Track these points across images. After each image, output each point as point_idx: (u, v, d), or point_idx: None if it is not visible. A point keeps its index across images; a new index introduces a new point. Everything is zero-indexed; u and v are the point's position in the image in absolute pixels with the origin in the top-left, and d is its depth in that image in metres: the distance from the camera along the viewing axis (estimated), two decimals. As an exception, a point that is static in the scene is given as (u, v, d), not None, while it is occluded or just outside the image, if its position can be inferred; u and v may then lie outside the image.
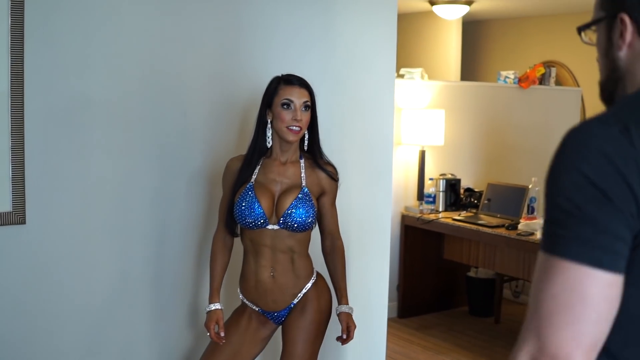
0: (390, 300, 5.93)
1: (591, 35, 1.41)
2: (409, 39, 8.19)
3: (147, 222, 3.18)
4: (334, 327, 3.10)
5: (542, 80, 6.74)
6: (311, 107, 2.83)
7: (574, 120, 6.43)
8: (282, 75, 2.86)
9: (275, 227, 2.80)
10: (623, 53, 1.31)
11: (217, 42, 3.27)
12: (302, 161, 2.90)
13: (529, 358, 1.16)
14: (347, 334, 2.96)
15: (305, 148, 2.90)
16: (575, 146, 1.16)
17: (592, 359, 1.15)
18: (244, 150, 2.96)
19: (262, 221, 2.78)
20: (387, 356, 5.00)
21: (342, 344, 3.01)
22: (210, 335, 2.85)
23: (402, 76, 6.01)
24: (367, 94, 3.78)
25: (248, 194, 2.79)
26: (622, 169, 1.12)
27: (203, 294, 3.26)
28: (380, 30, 3.81)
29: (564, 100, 6.80)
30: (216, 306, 2.88)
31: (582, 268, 1.12)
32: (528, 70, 6.58)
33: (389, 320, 5.87)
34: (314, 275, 2.97)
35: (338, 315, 2.97)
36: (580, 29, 1.41)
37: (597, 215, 1.12)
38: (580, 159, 1.14)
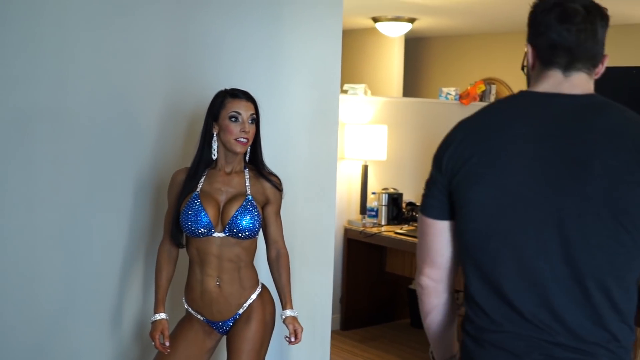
0: (333, 312, 5.99)
1: None
2: (353, 55, 8.30)
3: (93, 233, 3.19)
4: (277, 337, 3.15)
5: (483, 97, 6.91)
6: (256, 120, 2.90)
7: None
8: (228, 89, 2.92)
9: (222, 234, 2.85)
10: (531, 73, 1.84)
11: (164, 56, 3.31)
12: (246, 171, 2.96)
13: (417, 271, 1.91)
14: (295, 335, 3.02)
15: (247, 159, 2.97)
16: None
17: (436, 270, 1.86)
18: (189, 162, 3.00)
19: (208, 229, 2.82)
20: (331, 368, 5.07)
21: (290, 345, 3.07)
22: (155, 345, 2.87)
23: (345, 92, 6.11)
24: (312, 109, 3.85)
25: (194, 202, 2.83)
26: (443, 150, 1.81)
27: (149, 304, 3.28)
28: (325, 47, 3.89)
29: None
30: (161, 316, 2.91)
31: (419, 214, 1.88)
32: (469, 87, 6.74)
33: (332, 332, 5.94)
34: (259, 286, 3.02)
35: (284, 320, 3.03)
36: (523, 67, 1.90)
37: (428, 181, 1.86)
38: (436, 150, 1.85)
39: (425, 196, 1.85)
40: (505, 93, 8.31)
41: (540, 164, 1.67)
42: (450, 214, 1.80)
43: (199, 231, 2.82)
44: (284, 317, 3.04)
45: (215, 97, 2.91)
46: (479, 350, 1.78)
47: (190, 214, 2.81)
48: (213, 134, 2.88)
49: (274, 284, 3.09)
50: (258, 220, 2.89)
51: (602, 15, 1.75)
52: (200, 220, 2.81)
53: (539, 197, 1.66)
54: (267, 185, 2.97)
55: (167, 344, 2.87)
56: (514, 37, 8.18)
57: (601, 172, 1.63)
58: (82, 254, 3.16)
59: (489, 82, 7.32)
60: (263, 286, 3.05)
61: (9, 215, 2.95)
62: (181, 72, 3.37)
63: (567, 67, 1.74)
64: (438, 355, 2.01)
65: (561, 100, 1.73)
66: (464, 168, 1.73)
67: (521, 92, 1.81)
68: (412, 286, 6.18)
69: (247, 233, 2.87)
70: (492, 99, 6.98)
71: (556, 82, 1.75)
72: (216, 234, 2.85)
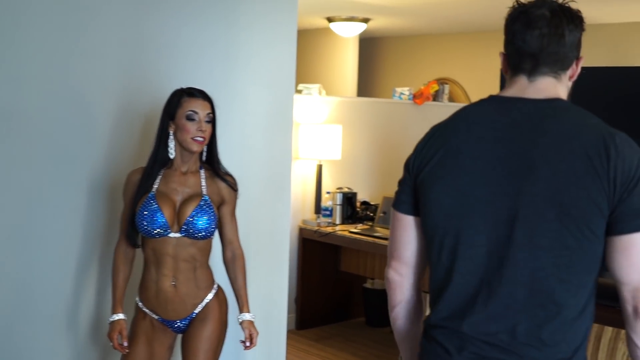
0: (288, 312, 6.01)
1: None
2: (307, 55, 8.32)
3: (48, 234, 3.16)
4: (233, 338, 3.16)
5: (436, 96, 6.98)
6: (213, 119, 2.91)
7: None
8: (184, 88, 2.92)
9: (178, 235, 2.85)
10: (506, 77, 1.87)
11: (119, 56, 3.30)
12: (202, 171, 2.96)
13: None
14: (250, 340, 3.04)
15: (204, 159, 2.98)
16: None
17: (402, 265, 1.92)
18: (144, 162, 2.99)
19: (164, 229, 2.83)
20: (286, 367, 5.09)
21: (245, 349, 3.09)
22: (113, 345, 2.87)
23: (300, 92, 6.12)
24: (267, 110, 3.86)
25: (150, 203, 2.83)
26: (415, 150, 1.89)
27: (105, 305, 3.27)
28: (280, 48, 3.91)
29: (456, 116, 7.04)
30: (119, 316, 2.91)
31: (392, 207, 1.93)
32: (422, 87, 6.80)
33: (288, 332, 5.95)
34: (215, 286, 3.03)
35: (241, 323, 3.04)
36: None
37: (401, 179, 1.92)
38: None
39: (398, 193, 1.93)
40: (459, 93, 8.41)
41: (494, 166, 1.73)
42: (417, 210, 1.88)
43: (155, 232, 2.82)
44: (241, 320, 3.06)
45: (171, 96, 2.91)
46: (426, 345, 1.87)
47: (146, 215, 2.81)
48: (169, 133, 2.88)
49: (231, 285, 3.10)
50: (214, 221, 2.90)
51: (571, 18, 1.77)
52: (156, 220, 2.81)
53: (491, 198, 1.72)
54: (223, 185, 2.98)
55: (126, 344, 2.87)
56: (467, 38, 8.28)
57: (550, 175, 1.67)
58: (37, 256, 3.14)
59: (442, 82, 7.39)
60: (218, 286, 3.06)
61: None
62: (136, 72, 3.36)
63: (532, 73, 1.79)
64: (405, 356, 2.03)
65: (522, 104, 1.77)
66: (426, 168, 1.82)
67: (490, 97, 1.86)
68: (367, 285, 6.23)
69: (203, 233, 2.88)
70: (445, 98, 7.05)
71: (522, 87, 1.80)
72: (172, 235, 2.85)
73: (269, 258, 3.97)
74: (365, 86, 9.12)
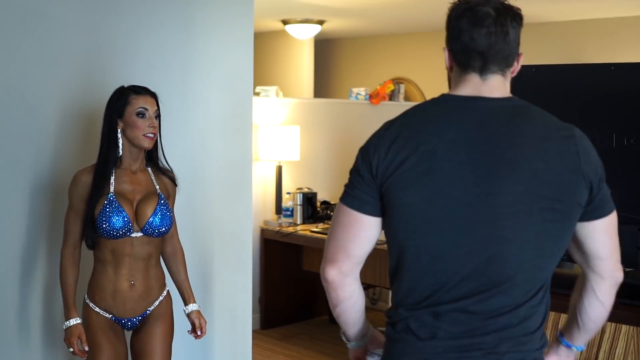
0: (253, 312, 6.06)
1: None
2: (264, 58, 8.38)
3: None
4: (202, 339, 3.20)
5: (392, 96, 7.08)
6: (159, 115, 2.95)
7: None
8: (128, 86, 2.94)
9: (139, 234, 2.89)
10: (449, 75, 1.91)
11: (76, 63, 3.31)
12: (149, 169, 3.01)
13: (322, 264, 1.95)
14: (201, 329, 3.12)
15: (147, 156, 3.01)
16: (364, 143, 1.89)
17: (349, 263, 1.90)
18: (87, 163, 2.99)
19: (127, 230, 2.86)
20: (252, 366, 5.14)
21: (197, 339, 3.16)
22: (74, 351, 2.86)
23: (258, 94, 6.18)
24: (225, 112, 3.90)
25: (112, 204, 2.84)
26: (370, 152, 1.84)
27: (56, 310, 3.26)
28: (237, 51, 3.96)
29: (412, 114, 7.14)
30: (76, 321, 2.89)
31: (343, 206, 1.89)
32: (378, 87, 6.90)
33: (253, 332, 6.00)
34: (166, 285, 3.09)
35: (189, 314, 3.12)
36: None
37: (354, 179, 1.88)
38: (361, 148, 1.89)
39: (352, 190, 1.88)
40: (414, 92, 8.52)
41: (473, 167, 1.75)
42: (381, 212, 1.85)
43: (120, 232, 2.85)
44: (188, 311, 3.13)
45: (117, 94, 2.92)
46: (401, 336, 1.89)
47: (111, 216, 2.82)
48: (117, 131, 2.90)
49: (172, 279, 3.15)
50: (171, 217, 2.97)
51: (513, 16, 1.82)
52: (120, 221, 2.83)
53: (472, 199, 1.75)
54: (167, 180, 3.05)
55: (87, 348, 2.87)
56: (421, 37, 8.40)
57: (529, 173, 1.75)
58: None
59: (397, 81, 7.49)
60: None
61: None
62: (93, 78, 3.36)
63: (483, 70, 1.82)
64: (351, 334, 2.06)
65: (483, 103, 1.81)
66: (397, 172, 1.78)
67: (443, 96, 1.87)
68: (329, 283, 6.29)
69: (163, 230, 2.93)
70: (401, 98, 7.15)
71: (475, 86, 1.82)
72: (133, 234, 2.89)
73: (232, 258, 4.02)
74: (322, 87, 9.20)
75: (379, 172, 1.81)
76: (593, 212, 1.84)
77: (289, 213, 6.08)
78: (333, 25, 7.97)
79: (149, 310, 3.01)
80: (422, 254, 1.81)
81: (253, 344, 5.63)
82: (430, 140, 1.77)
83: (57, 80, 3.25)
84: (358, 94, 6.83)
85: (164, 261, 3.13)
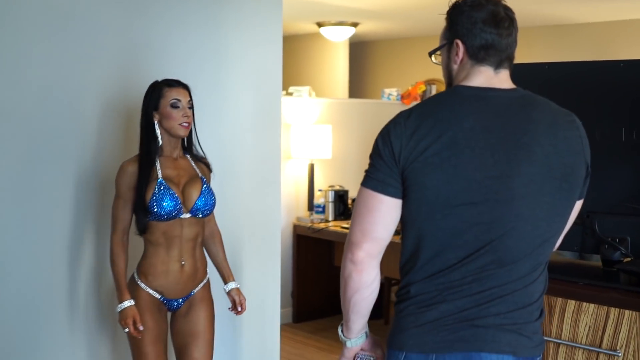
0: (285, 306, 6.23)
1: (437, 58, 2.17)
2: (299, 60, 8.54)
3: (40, 226, 3.30)
4: (229, 330, 3.36)
5: (423, 96, 7.19)
6: (192, 105, 3.14)
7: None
8: (161, 80, 3.13)
9: (187, 215, 3.08)
10: (456, 66, 2.05)
11: (113, 62, 3.47)
12: (187, 155, 3.20)
13: (346, 245, 2.01)
14: (241, 305, 3.31)
15: (183, 144, 3.20)
16: (384, 126, 2.00)
17: (376, 246, 1.97)
18: (126, 156, 3.18)
19: (178, 212, 3.04)
20: (284, 357, 5.28)
21: (237, 315, 3.36)
22: (129, 331, 3.00)
23: (291, 94, 6.34)
24: (256, 110, 4.06)
25: (163, 188, 3.02)
26: (392, 139, 1.94)
27: (105, 294, 3.46)
28: (267, 51, 4.10)
29: (443, 115, 7.25)
30: (130, 303, 3.04)
31: (366, 190, 1.97)
32: (410, 88, 7.03)
33: (285, 325, 6.18)
34: (207, 270, 3.27)
35: (229, 292, 3.30)
36: (430, 53, 2.17)
37: (376, 163, 1.96)
38: (379, 134, 1.99)
39: (376, 173, 1.96)
40: (447, 93, 8.61)
41: (492, 152, 1.89)
42: (402, 194, 1.95)
43: (172, 214, 3.03)
44: (228, 289, 3.31)
45: (152, 89, 3.10)
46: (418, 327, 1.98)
47: (163, 199, 3.01)
48: (154, 123, 3.08)
49: (212, 260, 3.34)
50: (214, 198, 3.17)
51: (515, 21, 2.03)
52: (171, 203, 3.02)
53: (491, 181, 1.89)
54: (204, 166, 3.24)
55: (141, 328, 3.02)
56: (453, 39, 8.47)
57: (542, 156, 1.92)
58: (30, 250, 3.28)
59: (429, 82, 7.60)
60: None
61: None
62: (129, 76, 3.53)
63: (498, 66, 1.99)
64: (355, 328, 2.13)
65: (496, 94, 1.97)
66: (420, 158, 1.89)
67: (457, 87, 2.00)
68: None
69: (208, 210, 3.14)
70: (433, 98, 7.26)
71: (488, 78, 1.99)
72: (182, 216, 3.08)
73: (262, 250, 4.16)
74: (357, 88, 9.32)
75: (402, 157, 1.91)
76: (580, 193, 2.06)
77: (320, 210, 6.23)
78: (367, 27, 8.08)
79: (193, 292, 3.18)
80: (442, 234, 1.92)
81: (284, 337, 5.82)
82: (452, 129, 1.89)
83: (94, 78, 3.41)
84: (390, 94, 6.97)
85: (204, 244, 3.31)
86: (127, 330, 3.02)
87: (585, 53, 7.12)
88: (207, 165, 3.27)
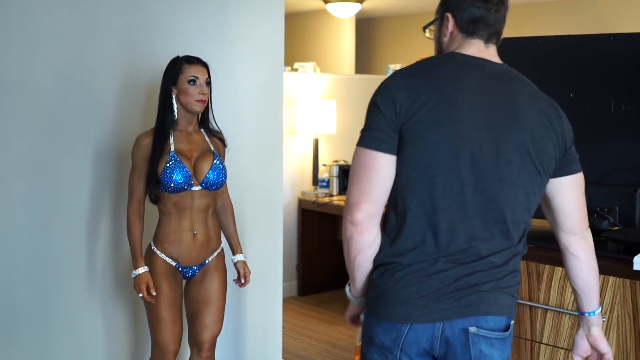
0: (290, 279, 6.34)
1: (431, 33, 2.23)
2: (305, 36, 8.59)
3: (61, 201, 3.42)
4: (233, 303, 3.46)
5: (428, 72, 7.23)
6: (209, 82, 3.24)
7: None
8: (182, 56, 3.23)
9: (198, 188, 3.19)
10: (446, 38, 2.11)
11: (119, 39, 3.56)
12: (202, 130, 3.30)
13: (345, 207, 2.02)
14: (245, 278, 3.42)
15: (199, 119, 3.30)
16: (378, 87, 2.02)
17: (374, 205, 1.97)
18: (143, 129, 3.29)
19: (188, 184, 3.15)
20: (288, 329, 5.40)
21: (241, 287, 3.48)
22: (143, 296, 3.14)
23: (296, 70, 6.41)
24: (258, 85, 4.13)
25: (174, 160, 3.13)
26: (392, 93, 1.96)
27: (123, 261, 3.59)
28: (269, 27, 4.16)
29: (448, 90, 7.30)
30: (144, 269, 3.18)
31: (361, 149, 2.00)
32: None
33: (290, 298, 6.29)
34: (221, 239, 3.38)
35: (235, 263, 3.42)
36: (424, 27, 2.23)
37: (372, 120, 1.98)
38: (376, 92, 2.01)
39: (371, 131, 1.97)
40: (453, 69, 8.65)
41: (485, 115, 1.96)
42: (396, 151, 1.96)
43: (181, 186, 3.14)
44: (235, 260, 3.43)
45: (172, 64, 3.22)
46: (403, 275, 2.01)
47: (174, 172, 3.12)
48: (172, 97, 3.19)
49: (223, 231, 3.44)
50: (225, 172, 3.27)
51: (506, 1, 2.10)
52: (181, 176, 3.13)
53: (482, 142, 1.95)
54: (218, 141, 3.35)
55: (154, 293, 3.16)
56: (459, 15, 8.50)
57: (530, 127, 1.99)
58: (52, 223, 3.40)
59: (434, 58, 7.63)
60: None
61: None
62: (136, 53, 3.62)
63: (487, 40, 2.07)
64: (362, 287, 2.12)
65: (489, 64, 2.05)
66: (421, 111, 1.92)
67: (452, 53, 2.06)
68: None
69: (219, 184, 3.24)
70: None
71: (479, 50, 2.06)
72: (193, 188, 3.18)
73: (264, 223, 4.25)
74: (363, 65, 9.37)
75: (403, 109, 1.93)
76: (562, 169, 2.10)
77: (325, 184, 6.31)
78: (373, 3, 8.12)
79: (207, 261, 3.30)
80: (434, 192, 1.95)
81: (289, 309, 5.93)
82: (451, 85, 1.96)
83: (103, 55, 3.50)
84: (395, 70, 7.00)
85: (216, 215, 3.41)
86: (140, 295, 3.15)
87: (591, 28, 7.14)
88: (222, 140, 3.37)
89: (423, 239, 1.98)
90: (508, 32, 2.21)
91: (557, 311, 2.80)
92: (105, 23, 3.51)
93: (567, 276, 2.26)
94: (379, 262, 2.05)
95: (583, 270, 2.20)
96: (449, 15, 2.09)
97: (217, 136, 3.36)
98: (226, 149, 3.39)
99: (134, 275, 3.19)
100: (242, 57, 4.05)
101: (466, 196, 1.96)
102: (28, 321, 3.37)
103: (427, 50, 8.75)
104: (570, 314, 2.76)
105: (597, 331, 2.24)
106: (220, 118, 3.45)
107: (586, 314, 2.23)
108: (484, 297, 1.99)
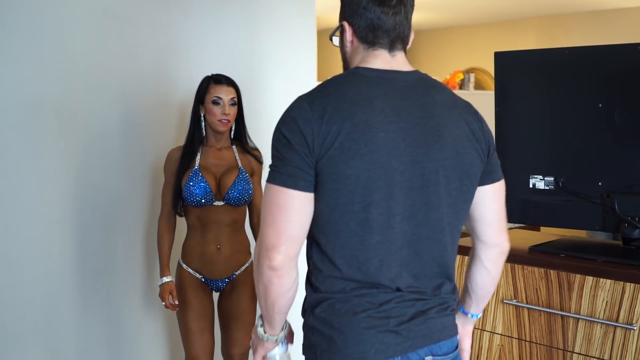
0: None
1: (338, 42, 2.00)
2: (337, 52, 8.62)
3: (99, 216, 3.50)
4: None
5: (462, 85, 7.25)
6: (238, 102, 3.29)
7: (490, 119, 6.93)
8: (213, 75, 3.29)
9: (221, 203, 3.24)
10: (348, 49, 1.93)
11: (154, 57, 3.64)
12: (233, 147, 3.35)
13: (257, 250, 1.81)
14: None
15: (232, 136, 3.36)
16: (282, 116, 1.83)
17: (294, 246, 1.77)
18: (181, 144, 3.35)
19: (209, 199, 3.20)
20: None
21: None
22: (165, 304, 3.22)
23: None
24: (290, 101, 4.17)
25: (196, 176, 3.20)
26: (300, 125, 1.75)
27: (156, 277, 3.63)
28: (300, 43, 4.24)
29: (481, 102, 7.26)
30: (168, 279, 3.27)
31: (275, 187, 1.77)
32: (448, 77, 7.09)
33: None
34: (251, 253, 3.40)
35: None
36: (330, 37, 2.00)
37: (285, 155, 1.77)
38: (281, 123, 1.81)
39: (285, 167, 1.77)
40: (488, 81, 8.65)
41: (403, 137, 1.78)
42: (314, 187, 1.79)
43: (202, 201, 3.19)
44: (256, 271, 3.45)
45: (201, 83, 3.29)
46: (341, 307, 1.84)
47: (194, 186, 3.18)
48: (200, 115, 3.26)
49: None
50: (251, 189, 3.29)
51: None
52: (202, 191, 3.18)
53: (404, 167, 1.78)
54: (251, 158, 3.38)
55: (177, 302, 3.24)
56: (492, 28, 8.52)
57: (451, 141, 1.84)
58: (88, 236, 3.48)
59: (467, 71, 7.65)
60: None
61: (21, 202, 3.25)
62: (170, 71, 3.69)
63: (391, 48, 1.88)
64: (280, 325, 1.95)
65: (399, 76, 1.86)
66: (335, 144, 1.74)
67: (357, 69, 1.87)
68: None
69: (242, 201, 3.27)
70: (471, 87, 7.32)
71: (386, 60, 1.87)
72: (216, 203, 3.23)
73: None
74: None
75: (316, 145, 1.74)
76: (485, 177, 1.95)
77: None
78: (407, 18, 8.13)
79: (235, 274, 3.34)
80: (362, 228, 1.78)
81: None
82: (363, 110, 1.76)
83: (135, 74, 3.58)
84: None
85: (252, 230, 3.46)
86: (163, 303, 3.23)
87: (623, 38, 7.10)
88: (257, 158, 3.39)
89: (354, 277, 1.82)
90: (541, 43, 2.14)
91: (589, 320, 2.80)
92: (139, 42, 3.58)
93: (465, 278, 2.14)
94: (312, 303, 1.88)
95: (488, 283, 2.11)
96: (346, 24, 1.91)
97: (252, 153, 3.39)
98: (262, 166, 3.42)
99: (159, 284, 3.27)
100: (274, 72, 4.11)
101: (394, 227, 1.80)
102: (66, 330, 3.44)
103: (459, 63, 8.79)
104: (601, 323, 2.76)
105: (470, 328, 2.20)
106: (253, 134, 3.51)
107: (469, 315, 2.18)
108: (432, 325, 1.88)
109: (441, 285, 1.92)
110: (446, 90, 1.93)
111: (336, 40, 1.98)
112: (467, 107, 1.94)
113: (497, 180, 2.00)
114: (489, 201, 1.99)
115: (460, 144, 1.86)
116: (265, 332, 1.97)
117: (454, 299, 1.97)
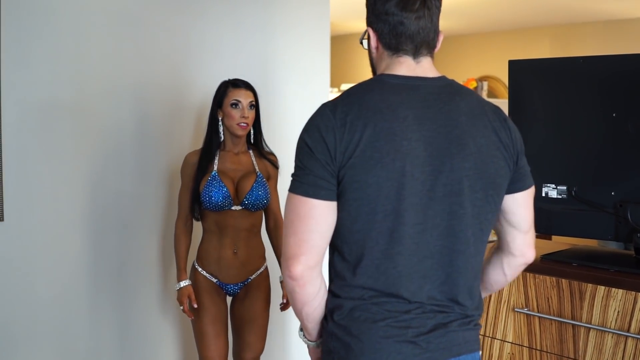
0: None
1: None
2: (352, 58, 8.65)
3: (113, 219, 3.51)
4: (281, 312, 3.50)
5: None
6: (256, 105, 3.30)
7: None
8: (230, 79, 3.31)
9: (238, 207, 3.25)
10: (374, 54, 1.92)
11: (169, 61, 3.65)
12: (250, 152, 3.36)
13: (282, 260, 1.81)
14: (286, 299, 3.41)
15: (252, 141, 3.37)
16: (306, 124, 1.82)
17: (314, 256, 1.78)
18: (197, 148, 3.36)
19: (227, 203, 3.21)
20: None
21: (283, 310, 3.48)
22: (183, 308, 3.23)
23: (342, 91, 6.45)
24: (303, 105, 4.18)
25: (215, 180, 3.21)
26: (323, 133, 1.74)
27: (170, 280, 3.66)
28: (314, 49, 4.25)
29: (495, 111, 7.29)
30: (186, 283, 3.27)
31: (297, 197, 1.76)
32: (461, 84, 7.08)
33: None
34: (266, 259, 3.42)
35: (282, 282, 3.41)
36: (360, 40, 1.97)
37: (307, 164, 1.76)
38: (304, 131, 1.80)
39: (307, 177, 1.77)
40: (501, 89, 8.65)
41: (425, 146, 1.76)
42: (336, 196, 1.78)
43: (220, 205, 3.20)
44: (282, 280, 3.42)
45: (219, 87, 3.30)
46: (359, 319, 1.82)
47: (213, 191, 3.18)
48: (218, 120, 3.28)
49: (274, 250, 3.48)
50: (268, 194, 3.30)
51: (431, 2, 1.85)
52: (221, 196, 3.19)
53: (425, 176, 1.76)
54: (268, 163, 3.40)
55: (195, 306, 3.24)
56: (506, 36, 8.52)
57: (476, 150, 1.80)
58: (105, 238, 3.49)
59: (481, 79, 7.64)
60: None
61: (38, 203, 3.26)
62: (184, 74, 3.71)
63: (415, 54, 1.85)
64: (316, 332, 1.96)
65: (423, 83, 1.83)
66: (357, 151, 1.73)
67: (382, 76, 1.86)
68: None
69: (260, 205, 3.28)
70: (484, 94, 7.31)
71: (410, 67, 1.85)
72: (234, 207, 3.24)
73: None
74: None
75: (338, 152, 1.74)
76: (515, 185, 1.92)
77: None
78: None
79: (249, 279, 3.34)
80: (384, 238, 1.77)
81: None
82: (386, 117, 1.75)
83: (151, 77, 3.60)
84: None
85: (268, 234, 3.47)
86: (181, 307, 3.23)
87: (639, 48, 7.09)
88: (273, 162, 3.41)
89: (374, 286, 1.80)
90: (554, 52, 2.13)
91: (600, 330, 2.79)
92: (155, 46, 3.60)
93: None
94: (332, 309, 1.87)
95: (501, 284, 2.12)
96: (370, 30, 1.89)
97: (268, 158, 3.40)
98: (278, 171, 3.43)
99: (176, 288, 3.27)
100: (287, 77, 4.12)
101: (415, 238, 1.78)
102: (79, 332, 3.45)
103: (473, 71, 8.80)
104: (613, 333, 2.76)
105: None
106: (268, 139, 3.52)
107: None
108: (453, 338, 1.84)
109: (465, 299, 1.88)
110: (473, 97, 1.89)
111: (366, 43, 1.95)
112: (496, 113, 1.89)
113: (528, 187, 1.97)
114: (521, 209, 1.97)
115: (486, 153, 1.82)
116: (305, 337, 2.01)
117: (478, 314, 1.94)
